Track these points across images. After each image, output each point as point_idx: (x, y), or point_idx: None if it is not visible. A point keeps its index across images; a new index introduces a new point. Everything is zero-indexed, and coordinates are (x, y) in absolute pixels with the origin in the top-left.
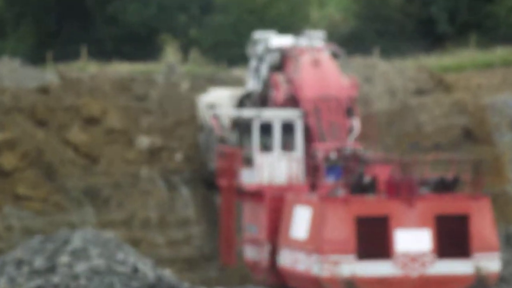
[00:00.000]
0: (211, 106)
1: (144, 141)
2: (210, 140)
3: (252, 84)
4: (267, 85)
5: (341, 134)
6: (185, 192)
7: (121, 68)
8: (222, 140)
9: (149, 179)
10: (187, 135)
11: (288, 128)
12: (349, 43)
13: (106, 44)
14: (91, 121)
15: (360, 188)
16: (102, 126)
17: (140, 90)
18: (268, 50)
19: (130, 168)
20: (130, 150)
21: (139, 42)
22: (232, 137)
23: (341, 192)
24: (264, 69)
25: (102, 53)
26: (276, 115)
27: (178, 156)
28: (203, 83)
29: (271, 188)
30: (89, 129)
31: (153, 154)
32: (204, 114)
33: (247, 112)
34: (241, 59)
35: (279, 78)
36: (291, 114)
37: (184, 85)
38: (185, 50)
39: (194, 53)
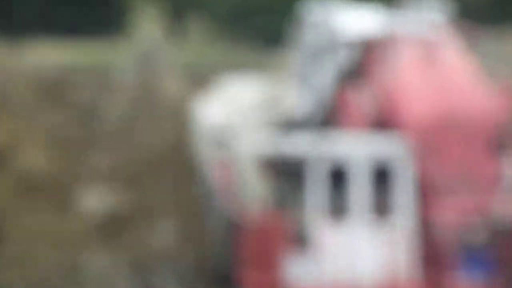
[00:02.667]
0: (218, 136)
1: (93, 203)
2: (211, 203)
3: (300, 100)
4: (333, 101)
5: (484, 186)
6: None
7: (49, 56)
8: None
9: (105, 276)
10: (178, 187)
11: (379, 177)
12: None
13: (22, 11)
14: None
15: None
16: (10, 170)
17: (85, 97)
18: (337, 43)
19: (65, 257)
20: (66, 220)
21: (85, 6)
22: (265, 191)
23: None
24: (327, 74)
25: (13, 28)
26: (358, 152)
27: (163, 230)
28: (205, 81)
29: None
30: None
31: (111, 226)
32: (203, 150)
33: (299, 147)
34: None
35: (356, 89)
36: (387, 150)
37: (171, 86)
38: (176, 21)
39: (193, 26)
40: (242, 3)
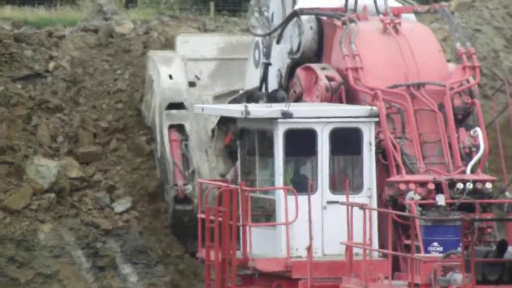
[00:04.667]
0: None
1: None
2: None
3: (256, 75)
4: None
5: (450, 156)
6: None
7: None
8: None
9: None
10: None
11: (343, 145)
12: None
13: None
14: None
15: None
16: None
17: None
18: (294, 12)
19: None
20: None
21: None
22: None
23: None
24: (284, 46)
25: None
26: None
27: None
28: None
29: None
30: None
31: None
32: (156, 112)
33: (258, 109)
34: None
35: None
36: (352, 111)
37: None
38: None
39: None
40: None
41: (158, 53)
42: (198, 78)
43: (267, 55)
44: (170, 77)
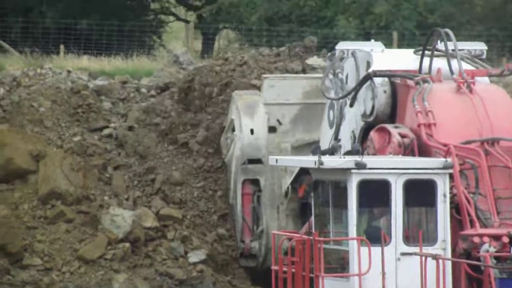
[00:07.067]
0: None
1: None
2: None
3: (330, 135)
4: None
5: None
6: None
7: None
8: None
9: None
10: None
11: (417, 197)
12: None
13: None
14: None
15: None
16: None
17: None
18: (367, 75)
19: None
20: None
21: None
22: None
23: None
24: (358, 108)
25: None
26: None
27: None
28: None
29: None
30: None
31: None
32: (233, 163)
33: (332, 159)
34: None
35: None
36: (426, 163)
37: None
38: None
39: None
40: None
41: (243, 96)
42: (280, 123)
43: (340, 118)
44: (252, 132)
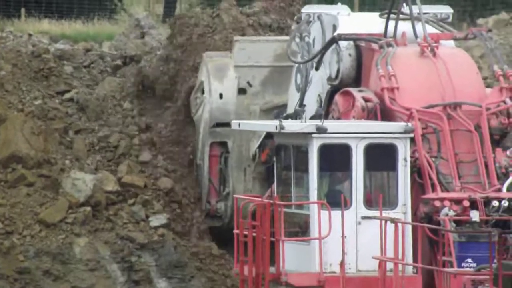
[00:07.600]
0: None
1: None
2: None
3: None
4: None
5: (486, 176)
6: None
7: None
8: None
9: None
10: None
11: (377, 161)
12: None
13: None
14: None
15: None
16: None
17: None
18: (332, 39)
19: None
20: None
21: None
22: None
23: None
24: (323, 72)
25: None
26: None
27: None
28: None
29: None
30: None
31: None
32: (201, 125)
33: (293, 124)
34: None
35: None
36: (387, 127)
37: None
38: None
39: None
40: None
41: (214, 58)
42: (250, 85)
43: (306, 81)
44: (221, 96)
